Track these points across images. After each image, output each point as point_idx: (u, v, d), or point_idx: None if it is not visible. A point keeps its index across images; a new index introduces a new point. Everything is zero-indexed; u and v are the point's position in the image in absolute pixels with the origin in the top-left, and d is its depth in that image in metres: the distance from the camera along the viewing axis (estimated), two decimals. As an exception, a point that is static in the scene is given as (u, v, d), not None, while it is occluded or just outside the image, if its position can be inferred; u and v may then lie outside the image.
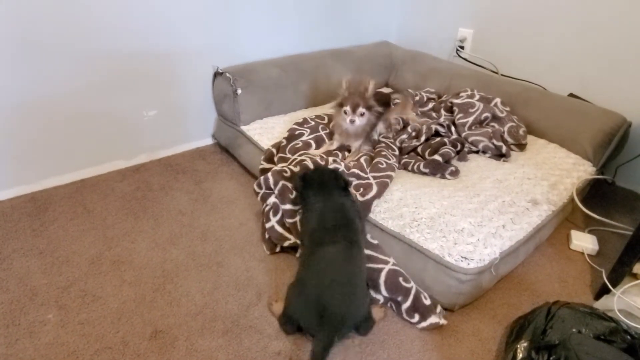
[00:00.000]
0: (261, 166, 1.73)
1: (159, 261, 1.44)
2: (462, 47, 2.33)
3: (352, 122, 1.57)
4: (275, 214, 1.44)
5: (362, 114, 1.58)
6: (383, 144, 1.70)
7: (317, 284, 1.13)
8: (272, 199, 1.44)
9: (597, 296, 1.36)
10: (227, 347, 1.17)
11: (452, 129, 1.82)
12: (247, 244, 1.53)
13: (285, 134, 1.78)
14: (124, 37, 1.71)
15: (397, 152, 1.68)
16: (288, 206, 1.41)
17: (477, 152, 1.76)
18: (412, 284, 1.26)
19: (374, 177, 1.50)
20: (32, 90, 1.60)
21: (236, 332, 1.22)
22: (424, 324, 1.23)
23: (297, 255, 1.44)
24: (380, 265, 1.31)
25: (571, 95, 1.97)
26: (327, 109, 2.07)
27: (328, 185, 1.33)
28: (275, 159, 1.71)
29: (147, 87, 1.86)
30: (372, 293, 1.31)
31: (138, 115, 1.89)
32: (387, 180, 1.49)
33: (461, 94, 1.93)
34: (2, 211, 1.63)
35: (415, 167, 1.62)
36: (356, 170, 1.52)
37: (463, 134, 1.77)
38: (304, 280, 1.18)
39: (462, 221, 1.33)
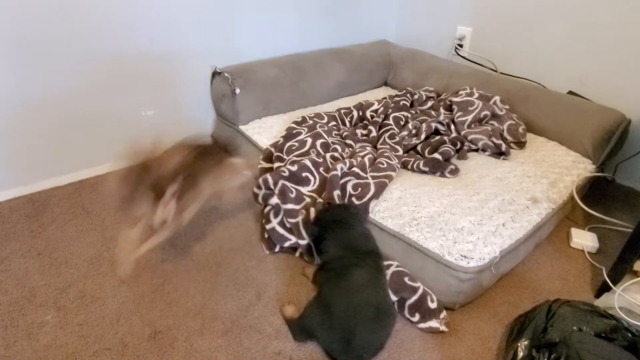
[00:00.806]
0: (260, 166, 1.72)
1: (158, 261, 1.43)
2: (460, 46, 2.32)
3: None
4: (276, 215, 1.43)
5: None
6: (387, 146, 1.69)
7: (345, 310, 1.10)
8: (273, 200, 1.43)
9: (598, 294, 1.36)
10: (226, 348, 1.17)
11: (452, 127, 1.81)
12: (246, 243, 1.52)
13: (283, 133, 1.78)
14: (122, 37, 1.70)
15: (400, 153, 1.67)
16: (289, 206, 1.41)
17: (476, 150, 1.75)
18: (419, 284, 1.25)
19: (373, 177, 1.49)
20: (29, 91, 1.59)
21: (236, 332, 1.21)
22: (422, 325, 1.23)
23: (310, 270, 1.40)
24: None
25: (570, 92, 1.96)
26: (326, 108, 2.08)
27: (347, 217, 1.32)
28: (273, 158, 1.71)
29: (145, 87, 1.86)
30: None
31: (136, 115, 1.89)
32: (386, 180, 1.49)
33: (460, 92, 1.93)
34: (0, 212, 1.62)
35: (414, 165, 1.61)
36: (356, 170, 1.51)
37: (462, 132, 1.76)
38: (330, 303, 1.13)
39: (462, 220, 1.33)
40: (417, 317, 1.22)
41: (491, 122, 1.83)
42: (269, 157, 1.73)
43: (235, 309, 1.28)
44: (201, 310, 1.27)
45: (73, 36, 1.60)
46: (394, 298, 1.23)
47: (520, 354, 1.05)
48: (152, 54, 1.81)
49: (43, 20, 1.52)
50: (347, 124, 1.95)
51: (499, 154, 1.70)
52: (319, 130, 1.76)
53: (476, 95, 1.90)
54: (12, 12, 1.46)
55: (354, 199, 1.44)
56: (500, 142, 1.69)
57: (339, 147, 1.70)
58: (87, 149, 1.82)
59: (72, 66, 1.64)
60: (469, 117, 1.81)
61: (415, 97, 2.05)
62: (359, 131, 1.87)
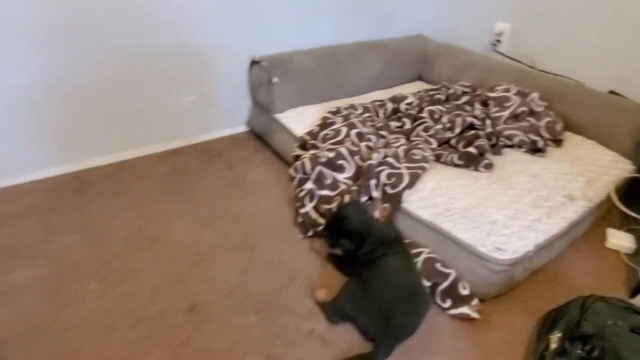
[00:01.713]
0: (294, 153, 1.76)
1: (194, 241, 1.48)
2: (498, 41, 2.29)
3: None
4: (311, 200, 1.46)
5: None
6: (421, 138, 1.70)
7: (383, 290, 1.14)
8: (308, 185, 1.46)
9: (633, 294, 1.33)
10: (260, 325, 1.21)
11: (487, 122, 1.79)
12: (280, 228, 1.56)
13: (318, 122, 1.80)
14: (165, 31, 1.77)
15: (434, 146, 1.67)
16: (325, 192, 1.43)
17: (511, 146, 1.73)
18: (451, 271, 1.26)
19: (407, 168, 1.50)
20: (80, 77, 1.68)
21: (269, 311, 1.25)
22: (454, 311, 1.24)
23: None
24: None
25: (611, 92, 1.91)
26: (359, 99, 2.09)
27: (363, 213, 1.32)
28: (308, 146, 1.74)
29: (185, 75, 1.92)
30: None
31: (175, 101, 1.95)
32: (420, 171, 1.49)
33: (497, 88, 1.91)
34: (47, 188, 1.71)
35: (448, 158, 1.61)
36: (391, 160, 1.52)
37: (498, 128, 1.75)
38: (367, 285, 1.17)
39: (496, 213, 1.32)
40: (448, 303, 1.23)
41: (528, 118, 1.81)
42: (303, 145, 1.76)
43: (269, 289, 1.32)
44: (236, 288, 1.31)
45: (122, 32, 1.69)
46: (426, 284, 1.25)
47: (553, 346, 1.05)
48: (192, 43, 1.86)
49: (101, 18, 1.63)
50: (381, 115, 1.96)
51: (534, 150, 1.68)
52: (354, 120, 1.78)
53: (513, 91, 1.87)
54: (78, 16, 1.58)
55: (387, 188, 1.45)
56: (537, 138, 1.67)
57: (372, 137, 1.71)
58: (129, 132, 1.89)
59: (119, 56, 1.72)
60: (506, 113, 1.79)
61: (451, 91, 2.03)
62: (392, 123, 1.88)
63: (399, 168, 1.51)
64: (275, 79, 1.92)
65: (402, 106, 1.96)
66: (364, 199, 1.45)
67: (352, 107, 1.92)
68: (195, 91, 1.98)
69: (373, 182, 1.45)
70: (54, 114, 1.69)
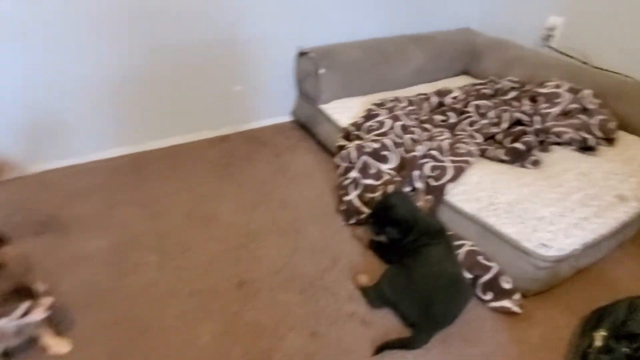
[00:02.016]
0: (338, 143, 1.80)
1: (243, 222, 1.57)
2: (550, 36, 2.23)
3: None
4: (355, 188, 1.51)
5: None
6: (466, 132, 1.70)
7: (426, 277, 1.18)
8: (353, 173, 1.51)
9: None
10: (304, 304, 1.27)
11: (535, 118, 1.77)
12: (324, 214, 1.62)
13: (363, 114, 1.84)
14: (217, 23, 1.86)
15: (479, 141, 1.67)
16: (369, 181, 1.47)
17: (560, 143, 1.70)
18: (494, 264, 1.28)
19: (451, 161, 1.52)
20: (139, 68, 1.80)
21: (312, 291, 1.32)
22: (495, 304, 1.25)
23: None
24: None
25: (672, 91, 1.83)
26: (404, 92, 2.10)
27: (410, 203, 1.36)
28: (352, 136, 1.78)
29: (236, 66, 2.00)
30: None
31: (226, 90, 2.04)
32: (465, 165, 1.50)
33: (547, 84, 1.87)
34: (110, 167, 1.85)
35: (493, 154, 1.60)
36: (434, 152, 1.54)
37: (547, 124, 1.72)
38: (410, 271, 1.21)
39: (543, 209, 1.32)
40: (489, 296, 1.25)
41: (579, 116, 1.76)
42: (347, 136, 1.81)
43: (312, 271, 1.38)
44: (282, 269, 1.39)
45: (180, 27, 1.80)
46: (467, 276, 1.27)
47: (597, 344, 1.05)
48: (242, 36, 1.94)
49: (161, 15, 1.74)
50: (425, 109, 1.97)
51: (585, 148, 1.64)
52: (398, 112, 1.80)
53: (564, 87, 1.83)
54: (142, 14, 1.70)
55: (430, 180, 1.47)
56: (588, 136, 1.63)
57: (416, 130, 1.73)
58: (183, 118, 2.00)
59: (176, 49, 1.83)
60: (555, 110, 1.75)
61: (498, 86, 2.01)
62: (437, 117, 1.88)
63: (442, 161, 1.52)
64: (321, 71, 1.96)
65: (447, 100, 1.96)
66: (407, 189, 1.48)
67: (397, 99, 1.94)
68: (244, 81, 2.06)
69: (416, 173, 1.48)
70: (116, 101, 1.82)
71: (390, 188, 1.47)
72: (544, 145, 1.66)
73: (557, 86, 1.84)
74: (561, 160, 1.59)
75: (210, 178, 1.80)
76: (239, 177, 1.81)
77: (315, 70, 1.97)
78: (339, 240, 1.51)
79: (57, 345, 1.12)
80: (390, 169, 1.57)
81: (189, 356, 1.11)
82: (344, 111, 1.95)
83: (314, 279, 1.36)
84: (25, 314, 0.95)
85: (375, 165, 1.54)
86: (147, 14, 1.70)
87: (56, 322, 1.15)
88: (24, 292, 0.94)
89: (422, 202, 1.43)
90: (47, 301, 0.98)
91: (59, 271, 1.33)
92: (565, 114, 1.77)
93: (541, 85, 1.90)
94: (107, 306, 1.24)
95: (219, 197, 1.69)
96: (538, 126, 1.73)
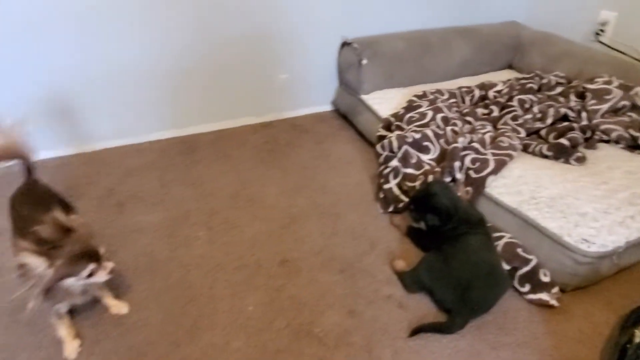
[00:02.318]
0: (379, 133, 1.84)
1: (286, 205, 1.64)
2: (602, 31, 2.16)
3: None
4: (395, 177, 1.55)
5: None
6: (509, 127, 1.70)
7: (464, 264, 1.21)
8: (394, 162, 1.54)
9: None
10: (343, 283, 1.33)
11: (582, 115, 1.74)
12: (362, 201, 1.67)
13: (404, 105, 1.86)
14: (265, 13, 1.94)
15: (522, 135, 1.66)
16: (409, 170, 1.51)
17: (607, 141, 1.67)
18: (533, 257, 1.29)
19: (493, 154, 1.52)
20: (191, 55, 1.90)
21: (351, 272, 1.37)
22: (532, 297, 1.27)
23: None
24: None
25: None
26: (446, 85, 2.10)
27: (451, 192, 1.37)
28: (393, 127, 1.81)
29: (283, 53, 2.07)
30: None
31: (271, 78, 2.11)
32: (507, 158, 1.51)
33: (596, 80, 1.82)
34: (161, 148, 1.96)
35: (537, 149, 1.60)
36: (476, 145, 1.55)
37: (594, 121, 1.69)
38: (448, 258, 1.24)
39: (586, 206, 1.31)
40: (527, 288, 1.27)
41: (629, 113, 1.72)
42: (387, 126, 1.84)
43: (351, 254, 1.44)
44: (322, 250, 1.45)
45: (230, 17, 1.88)
46: (506, 267, 1.29)
47: (637, 340, 1.05)
48: (288, 26, 2.01)
49: (212, 6, 1.82)
50: (467, 102, 1.97)
51: (634, 147, 1.61)
52: (440, 104, 1.81)
53: (615, 84, 1.78)
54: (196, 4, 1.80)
55: (471, 172, 1.49)
56: (638, 134, 1.59)
57: (458, 122, 1.74)
58: (229, 104, 2.09)
59: (226, 38, 1.92)
60: (604, 106, 1.71)
61: (544, 81, 1.98)
62: (479, 110, 1.88)
63: (484, 154, 1.53)
64: (364, 61, 2.00)
65: (491, 93, 1.95)
66: (447, 180, 1.50)
67: (439, 91, 1.95)
68: (289, 70, 2.13)
69: (457, 164, 1.49)
70: (167, 86, 1.93)
71: (431, 178, 1.50)
72: (590, 142, 1.64)
73: (608, 82, 1.79)
74: (607, 158, 1.57)
75: (254, 162, 1.88)
76: (281, 162, 1.88)
77: (358, 61, 2.01)
78: (377, 227, 1.55)
79: (116, 306, 1.23)
80: (431, 160, 1.59)
81: (235, 323, 1.20)
82: (385, 102, 1.98)
83: (353, 261, 1.41)
84: (91, 275, 1.04)
85: (415, 155, 1.58)
86: (198, 5, 1.80)
87: (115, 286, 1.27)
88: (90, 255, 1.03)
89: (462, 193, 1.45)
90: (109, 265, 1.07)
91: (118, 241, 1.45)
92: (615, 111, 1.73)
93: (590, 81, 1.86)
94: (160, 274, 1.35)
95: (263, 180, 1.77)
96: (585, 123, 1.70)
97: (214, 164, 1.86)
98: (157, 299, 1.27)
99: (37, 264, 0.94)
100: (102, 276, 1.06)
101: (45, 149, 1.83)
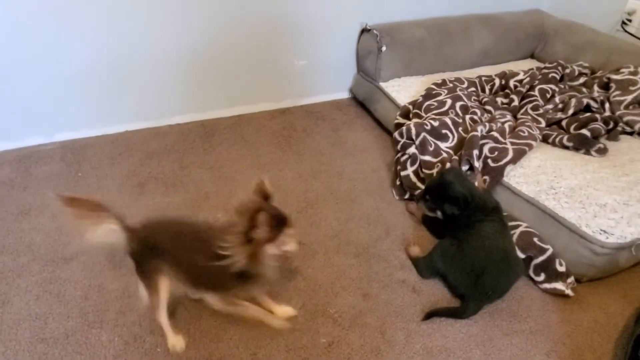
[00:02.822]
0: (396, 121, 1.84)
1: (302, 189, 1.66)
2: (629, 20, 2.10)
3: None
4: (412, 164, 1.55)
5: None
6: (529, 116, 1.68)
7: (478, 250, 1.22)
8: (411, 150, 1.55)
9: None
10: (358, 267, 1.35)
11: (606, 106, 1.71)
12: (378, 188, 1.68)
13: (423, 93, 1.86)
14: (286, 0, 1.93)
15: (542, 125, 1.65)
16: (427, 157, 1.51)
17: (631, 133, 1.64)
18: (549, 246, 1.29)
19: (512, 143, 1.51)
20: (211, 41, 1.91)
21: (366, 257, 1.39)
22: (547, 286, 1.27)
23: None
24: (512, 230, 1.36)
25: None
26: (465, 74, 2.08)
27: (465, 179, 1.36)
28: (411, 115, 1.81)
29: (302, 40, 2.07)
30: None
31: (289, 65, 2.12)
32: (526, 148, 1.50)
33: (622, 70, 1.79)
34: (180, 132, 2.00)
35: (557, 140, 1.58)
36: (495, 134, 1.54)
37: (618, 113, 1.66)
38: (462, 244, 1.25)
39: (606, 197, 1.30)
40: (542, 277, 1.27)
41: (655, 105, 1.69)
42: (405, 114, 1.84)
43: (366, 239, 1.46)
44: (337, 234, 1.47)
45: (250, 3, 1.87)
46: (521, 255, 1.29)
47: (653, 331, 1.05)
48: (307, 11, 2.00)
49: None
50: (487, 91, 1.95)
51: (658, 140, 1.58)
52: (459, 93, 1.80)
53: (641, 75, 1.74)
54: None
55: (489, 160, 1.48)
56: (663, 127, 1.56)
57: (478, 111, 1.73)
58: (248, 89, 2.11)
59: (246, 24, 1.92)
60: (629, 97, 1.68)
61: (567, 71, 1.94)
62: (499, 99, 1.87)
63: (503, 143, 1.53)
64: (384, 48, 1.99)
65: (511, 83, 1.92)
66: (464, 167, 1.50)
67: (458, 80, 1.93)
68: (307, 56, 2.13)
69: (476, 152, 1.49)
70: (188, 71, 1.95)
71: (447, 166, 1.50)
72: (612, 134, 1.61)
73: (634, 73, 1.76)
74: (630, 151, 1.55)
75: (271, 147, 1.90)
76: (298, 148, 1.90)
77: (377, 47, 2.00)
78: (393, 213, 1.57)
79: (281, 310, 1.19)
80: (448, 147, 1.59)
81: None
82: (403, 90, 1.98)
83: (368, 246, 1.43)
84: (284, 243, 0.99)
85: (433, 142, 1.57)
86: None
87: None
88: (285, 220, 0.98)
89: (479, 182, 1.44)
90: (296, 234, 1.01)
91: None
92: (639, 102, 1.69)
93: (616, 71, 1.82)
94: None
95: (280, 165, 1.79)
96: (607, 114, 1.67)
97: (232, 148, 1.88)
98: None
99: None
100: (293, 245, 1.01)
101: (70, 130, 1.89)
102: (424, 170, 1.52)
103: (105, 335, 1.12)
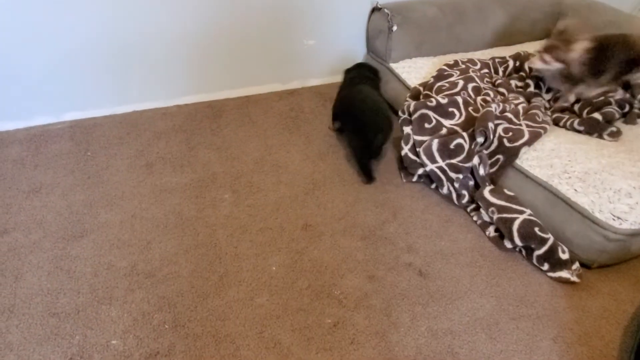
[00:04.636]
0: (407, 102, 1.80)
1: (310, 171, 1.65)
2: (653, -1, 2.02)
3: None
4: (406, 143, 1.54)
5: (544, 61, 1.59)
6: (544, 100, 1.64)
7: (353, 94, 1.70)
8: (407, 129, 1.53)
9: None
10: (364, 250, 1.35)
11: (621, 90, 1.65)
12: (386, 170, 1.66)
13: (434, 73, 1.81)
14: None
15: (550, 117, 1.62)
16: (419, 137, 1.49)
17: (650, 116, 1.59)
18: (549, 235, 1.27)
19: (528, 126, 1.48)
20: (219, 21, 1.88)
21: (372, 239, 1.39)
22: (552, 274, 1.26)
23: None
24: (514, 215, 1.33)
25: None
26: (478, 55, 2.03)
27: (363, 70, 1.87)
28: (421, 96, 1.77)
29: (309, 20, 2.03)
30: (505, 241, 1.35)
31: (299, 43, 2.08)
32: (541, 131, 1.46)
33: (642, 52, 1.72)
34: (188, 112, 1.99)
35: (568, 123, 1.54)
36: (509, 115, 1.51)
37: (639, 96, 1.60)
38: (362, 95, 1.68)
39: (621, 182, 1.27)
40: (546, 267, 1.25)
41: (675, 88, 1.63)
42: (416, 96, 1.80)
43: (373, 221, 1.45)
44: (344, 216, 1.47)
45: None
46: (518, 243, 1.28)
47: (664, 318, 1.04)
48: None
49: None
50: (500, 73, 1.90)
51: (677, 124, 1.53)
52: (472, 74, 1.76)
53: (663, 56, 1.68)
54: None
55: (504, 140, 1.45)
56: (683, 110, 1.51)
57: (490, 93, 1.69)
58: (255, 70, 2.08)
59: (251, 4, 1.88)
60: (649, 80, 1.62)
61: (584, 52, 1.88)
62: (513, 82, 1.82)
63: (518, 124, 1.49)
64: (395, 27, 1.94)
65: (527, 66, 1.87)
66: (480, 139, 1.46)
67: (471, 61, 1.88)
68: (316, 36, 2.09)
69: (490, 125, 1.45)
70: (195, 52, 1.93)
71: (436, 141, 1.48)
72: (629, 118, 1.56)
73: (655, 54, 1.69)
74: (648, 134, 1.50)
75: (279, 129, 1.89)
76: (306, 130, 1.88)
77: (388, 27, 1.95)
78: (400, 196, 1.55)
79: None
80: (453, 124, 1.55)
81: (259, 281, 1.24)
82: (413, 71, 1.93)
83: (374, 228, 1.42)
84: None
85: (435, 119, 1.55)
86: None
87: (146, 242, 1.32)
88: None
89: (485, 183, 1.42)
90: None
91: (148, 199, 1.50)
92: (660, 85, 1.64)
93: (635, 53, 1.75)
94: (189, 232, 1.39)
95: (288, 146, 1.78)
96: (623, 96, 1.62)
97: (240, 129, 1.87)
98: (186, 255, 1.32)
99: None
100: None
101: (79, 110, 1.89)
102: (418, 149, 1.50)
103: (114, 311, 1.15)
